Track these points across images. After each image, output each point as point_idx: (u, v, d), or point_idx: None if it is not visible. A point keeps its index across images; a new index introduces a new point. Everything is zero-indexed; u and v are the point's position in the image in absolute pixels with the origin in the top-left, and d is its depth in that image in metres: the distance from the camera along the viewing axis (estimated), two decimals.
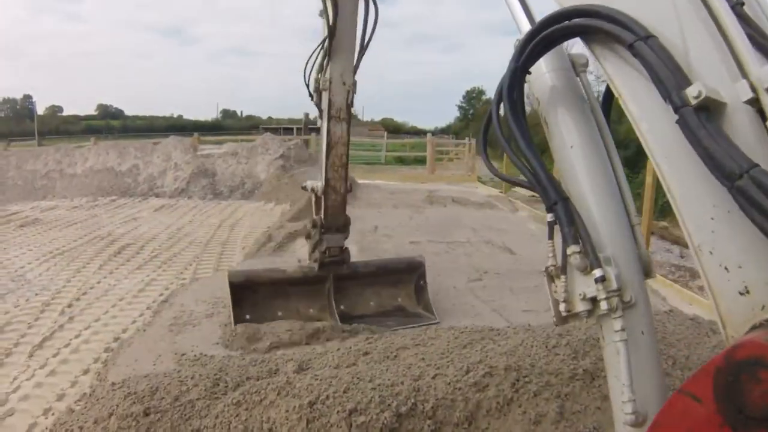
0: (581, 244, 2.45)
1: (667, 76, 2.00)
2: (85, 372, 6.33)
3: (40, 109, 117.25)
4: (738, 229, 1.91)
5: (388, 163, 43.06)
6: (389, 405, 3.87)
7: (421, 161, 39.70)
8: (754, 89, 1.84)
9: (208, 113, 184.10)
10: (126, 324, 7.79)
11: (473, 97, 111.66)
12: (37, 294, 9.06)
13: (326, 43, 6.63)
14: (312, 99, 7.02)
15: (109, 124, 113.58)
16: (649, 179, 11.62)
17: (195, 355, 6.07)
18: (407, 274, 8.17)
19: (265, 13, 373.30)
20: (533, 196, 21.47)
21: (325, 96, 6.80)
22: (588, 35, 2.47)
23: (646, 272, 2.61)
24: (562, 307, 2.55)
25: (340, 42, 6.63)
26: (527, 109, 2.83)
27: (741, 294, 1.91)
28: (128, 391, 4.55)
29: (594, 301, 2.44)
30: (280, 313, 7.34)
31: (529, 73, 2.76)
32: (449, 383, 4.19)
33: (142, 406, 4.23)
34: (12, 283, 9.71)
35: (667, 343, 5.44)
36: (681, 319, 6.48)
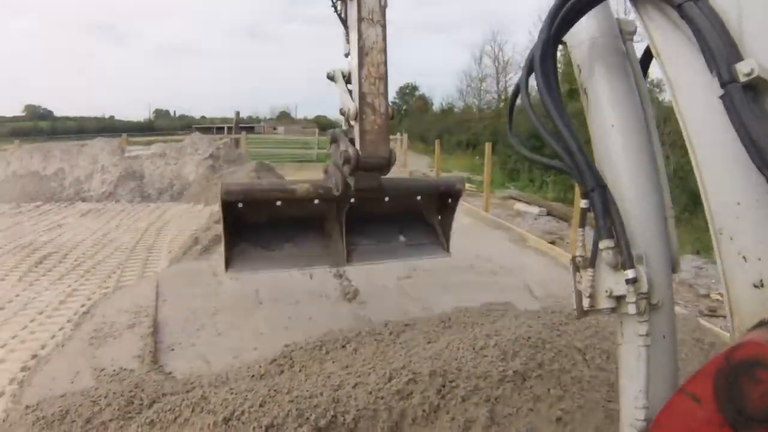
0: (615, 239, 2.32)
1: (717, 45, 1.87)
2: (0, 395, 6.06)
3: None
4: (764, 220, 1.86)
5: (320, 160, 42.45)
6: (307, 419, 3.72)
7: None
8: None
9: (140, 113, 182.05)
10: (45, 339, 7.51)
11: (406, 93, 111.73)
12: None
13: None
14: (335, 10, 5.91)
15: (38, 126, 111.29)
16: None
17: (114, 370, 5.81)
18: (432, 197, 6.96)
19: (203, 12, 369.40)
20: (468, 188, 21.57)
21: (352, 3, 5.50)
22: None
23: (673, 267, 2.49)
24: (585, 302, 2.42)
25: None
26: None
27: (755, 286, 1.88)
28: (38, 416, 4.33)
29: (619, 299, 2.33)
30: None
31: (563, 43, 2.64)
32: (371, 392, 4.05)
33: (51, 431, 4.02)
34: None
35: (601, 336, 5.45)
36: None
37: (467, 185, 28.18)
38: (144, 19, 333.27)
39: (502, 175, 35.07)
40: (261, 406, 3.87)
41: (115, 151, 24.42)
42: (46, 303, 9.06)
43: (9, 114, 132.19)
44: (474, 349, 4.69)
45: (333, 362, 5.00)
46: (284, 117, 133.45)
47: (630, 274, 2.25)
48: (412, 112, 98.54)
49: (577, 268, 2.48)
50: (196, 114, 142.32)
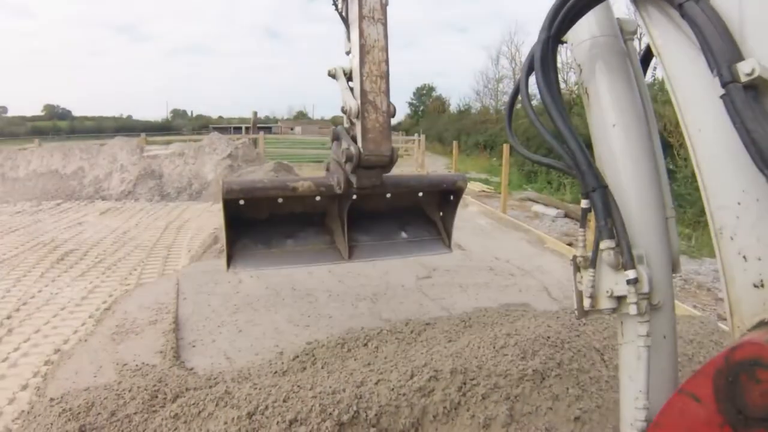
0: (616, 239, 2.34)
1: (718, 45, 1.88)
2: (24, 387, 6.25)
3: None
4: (764, 220, 1.86)
5: None
6: (330, 414, 3.76)
7: None
8: None
9: (158, 113, 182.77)
10: (67, 334, 7.67)
11: (423, 94, 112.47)
12: None
13: None
14: (336, 8, 5.92)
15: (57, 126, 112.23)
16: None
17: (136, 365, 5.87)
18: (434, 193, 6.88)
19: (221, 12, 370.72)
20: (483, 191, 21.62)
21: (353, 1, 5.44)
22: None
23: (674, 267, 2.53)
24: (586, 302, 2.44)
25: None
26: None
27: (755, 286, 1.88)
28: (64, 408, 4.39)
29: (620, 299, 2.36)
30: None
31: (563, 42, 2.64)
32: (393, 389, 4.09)
33: (77, 423, 4.09)
34: None
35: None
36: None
37: (485, 187, 28.28)
38: (162, 19, 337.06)
39: (520, 176, 35.03)
40: (284, 401, 3.92)
41: (134, 150, 24.64)
42: (68, 299, 9.23)
43: (29, 113, 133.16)
44: (494, 347, 4.72)
45: (355, 360, 5.03)
46: (301, 117, 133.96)
47: (631, 274, 2.27)
48: (429, 113, 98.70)
49: (578, 268, 2.50)
50: (213, 114, 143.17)
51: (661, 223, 2.48)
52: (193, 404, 4.12)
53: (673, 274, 2.52)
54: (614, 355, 4.97)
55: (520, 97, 2.81)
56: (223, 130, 61.95)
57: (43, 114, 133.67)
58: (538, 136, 2.64)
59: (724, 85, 1.82)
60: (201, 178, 23.25)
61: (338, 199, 6.04)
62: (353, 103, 5.33)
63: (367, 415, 3.84)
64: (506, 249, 12.33)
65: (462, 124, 65.46)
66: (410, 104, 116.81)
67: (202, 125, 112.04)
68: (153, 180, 22.86)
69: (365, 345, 5.32)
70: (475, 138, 52.65)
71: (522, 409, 4.12)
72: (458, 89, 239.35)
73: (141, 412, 4.15)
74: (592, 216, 2.46)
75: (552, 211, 21.52)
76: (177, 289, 8.60)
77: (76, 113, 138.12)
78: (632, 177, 2.46)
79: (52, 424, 4.20)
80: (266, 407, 3.86)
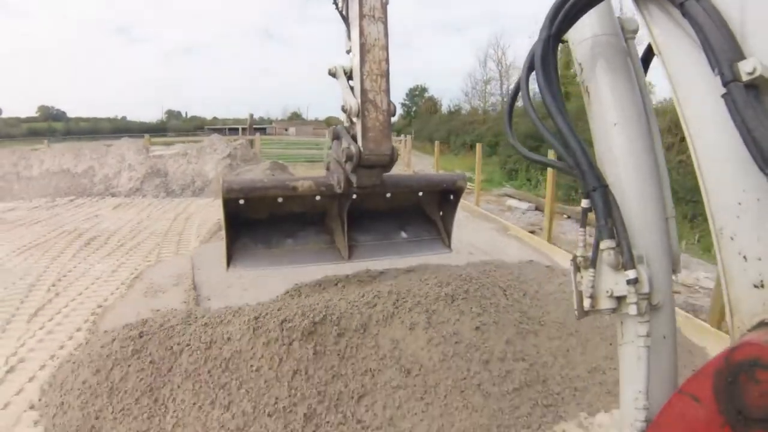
0: (616, 239, 2.34)
1: (720, 44, 1.86)
2: (78, 329, 7.92)
3: None
4: (764, 220, 1.85)
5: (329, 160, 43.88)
6: (308, 316, 5.61)
7: None
8: None
9: (152, 114, 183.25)
10: (105, 295, 9.41)
11: (416, 94, 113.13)
12: (21, 278, 10.45)
13: None
14: (337, 7, 5.92)
15: (52, 127, 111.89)
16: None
17: (168, 310, 7.57)
18: (434, 193, 7.01)
19: (216, 13, 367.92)
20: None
21: (353, 1, 5.38)
22: None
23: (674, 268, 2.52)
24: (586, 302, 2.45)
25: None
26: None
27: (755, 286, 1.87)
28: (124, 324, 6.26)
29: (620, 299, 2.37)
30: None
31: (563, 41, 2.61)
32: (349, 303, 5.96)
33: (137, 331, 5.89)
34: None
35: (523, 281, 7.30)
36: (538, 267, 8.41)
37: (468, 184, 29.89)
38: (157, 20, 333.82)
39: (502, 174, 36.32)
40: (278, 310, 5.75)
41: (141, 150, 26.29)
42: (100, 272, 10.97)
43: (23, 115, 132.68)
44: (420, 280, 6.53)
45: (327, 292, 6.84)
46: (295, 118, 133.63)
47: (631, 274, 2.28)
48: (421, 114, 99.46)
49: (578, 268, 2.51)
50: (208, 115, 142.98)
51: (661, 222, 2.47)
52: (216, 317, 5.96)
53: (674, 275, 2.51)
54: (515, 291, 6.83)
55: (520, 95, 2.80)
56: (218, 131, 62.78)
57: (37, 115, 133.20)
58: (536, 135, 3.14)
59: (725, 84, 1.82)
60: (203, 176, 24.94)
61: (338, 198, 6.12)
62: (353, 102, 5.31)
63: (332, 318, 5.69)
64: (474, 235, 14.16)
65: (452, 124, 66.36)
66: (403, 104, 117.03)
67: (197, 126, 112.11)
68: (159, 178, 24.49)
69: (335, 285, 7.05)
70: (463, 138, 54.13)
71: (437, 319, 5.94)
72: (450, 90, 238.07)
73: (181, 324, 5.93)
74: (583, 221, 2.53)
75: (524, 205, 23.07)
76: (192, 263, 10.47)
77: (70, 114, 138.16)
78: (633, 176, 2.46)
79: (117, 334, 6.00)
80: (266, 314, 5.71)
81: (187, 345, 5.66)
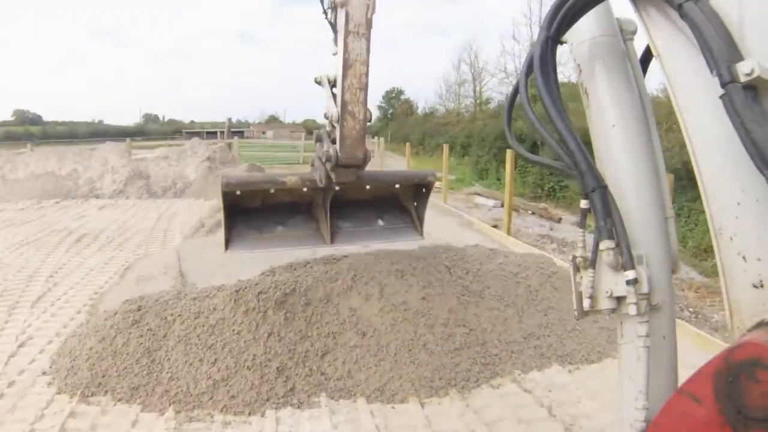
0: (615, 240, 2.33)
1: (718, 45, 1.84)
2: (79, 312, 8.82)
3: None
4: (764, 221, 1.83)
5: (305, 162, 44.01)
6: (280, 288, 6.70)
7: None
8: None
9: (129, 118, 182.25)
10: (100, 283, 10.35)
11: (392, 97, 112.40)
12: (19, 271, 11.28)
13: None
14: (326, 17, 6.33)
15: (29, 131, 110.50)
16: (508, 167, 14.45)
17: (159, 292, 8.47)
18: (409, 186, 8.10)
19: (193, 16, 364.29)
20: (435, 186, 24.32)
21: (341, 12, 5.83)
22: None
23: (673, 268, 2.52)
24: (586, 302, 2.44)
25: None
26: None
27: (755, 287, 1.86)
28: (124, 300, 7.29)
29: (620, 299, 2.36)
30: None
31: (562, 42, 2.60)
32: (314, 278, 7.05)
33: (136, 305, 6.91)
34: None
35: (466, 261, 8.37)
36: (482, 249, 9.46)
37: (438, 183, 30.85)
38: (134, 23, 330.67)
39: (473, 173, 37.26)
40: (255, 285, 6.80)
41: (123, 153, 26.91)
42: (93, 264, 11.91)
43: None
44: (375, 258, 7.61)
45: (297, 270, 7.72)
46: (273, 121, 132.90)
47: (631, 275, 2.26)
48: (398, 116, 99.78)
49: (577, 269, 2.50)
50: (185, 118, 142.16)
51: (660, 223, 2.47)
52: (203, 292, 6.99)
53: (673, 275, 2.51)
54: (458, 270, 7.91)
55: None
56: (196, 135, 62.97)
57: (13, 119, 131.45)
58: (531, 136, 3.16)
59: (723, 85, 1.80)
60: (184, 178, 25.64)
61: (321, 191, 7.18)
62: (334, 111, 5.99)
63: (300, 290, 6.79)
64: (439, 230, 15.02)
65: (426, 126, 67.34)
66: (380, 107, 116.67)
67: (175, 130, 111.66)
68: (141, 180, 25.10)
69: (304, 266, 7.94)
70: (438, 139, 54.97)
71: (389, 291, 7.06)
72: (425, 92, 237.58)
73: (173, 299, 6.94)
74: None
75: (490, 202, 24.25)
76: (178, 255, 11.40)
77: (45, 118, 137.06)
78: (632, 177, 2.45)
79: (118, 308, 7.02)
80: (246, 288, 6.76)
81: (179, 315, 6.70)
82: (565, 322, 7.80)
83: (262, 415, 5.79)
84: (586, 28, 2.64)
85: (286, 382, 6.09)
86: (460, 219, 18.26)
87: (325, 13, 6.30)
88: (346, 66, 5.77)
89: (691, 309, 11.15)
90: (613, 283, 2.34)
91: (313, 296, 6.83)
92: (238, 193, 6.96)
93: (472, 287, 7.71)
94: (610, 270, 2.35)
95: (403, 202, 8.19)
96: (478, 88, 67.73)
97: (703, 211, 2.15)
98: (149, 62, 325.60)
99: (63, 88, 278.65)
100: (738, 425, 1.54)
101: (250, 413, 5.81)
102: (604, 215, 2.33)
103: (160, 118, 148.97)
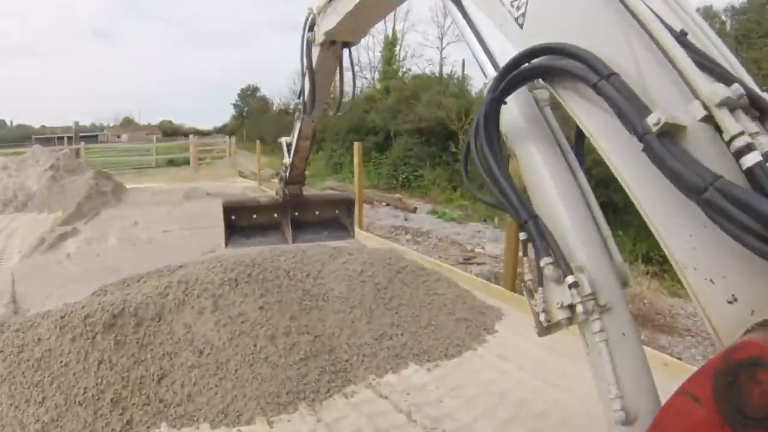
0: (553, 256, 2.55)
1: (629, 109, 2.07)
2: None
3: None
4: (716, 241, 1.96)
5: (158, 165, 43.72)
6: (107, 310, 6.35)
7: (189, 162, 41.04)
8: (706, 107, 1.92)
9: None
10: None
11: (248, 94, 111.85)
12: None
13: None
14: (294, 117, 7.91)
15: None
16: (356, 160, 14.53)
17: None
18: (342, 203, 9.44)
19: (43, 10, 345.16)
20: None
21: (297, 123, 7.78)
22: (552, 75, 2.60)
23: (624, 282, 2.68)
24: (542, 317, 2.64)
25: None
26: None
27: (729, 302, 1.96)
28: None
29: (572, 308, 2.51)
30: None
31: (505, 102, 2.86)
32: (144, 294, 6.75)
33: None
34: None
35: (306, 262, 8.38)
36: (323, 248, 9.42)
37: None
38: None
39: (327, 168, 37.75)
40: (82, 308, 6.42)
41: None
42: None
43: None
44: (208, 268, 7.39)
45: (129, 287, 7.59)
46: (128, 123, 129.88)
47: (570, 279, 2.46)
48: (254, 114, 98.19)
49: (531, 293, 2.72)
50: (36, 123, 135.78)
51: (596, 239, 2.68)
52: (27, 322, 6.58)
53: (624, 288, 2.67)
54: (298, 273, 7.87)
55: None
56: (46, 140, 60.34)
57: None
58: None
59: (640, 139, 2.02)
60: (26, 189, 24.06)
61: (284, 209, 8.22)
62: (287, 161, 7.66)
63: (129, 310, 6.46)
64: None
65: (282, 123, 67.13)
66: (235, 106, 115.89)
67: (24, 136, 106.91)
68: None
69: (137, 281, 7.79)
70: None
71: (223, 302, 6.84)
72: (282, 89, 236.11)
73: None
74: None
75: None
76: (12, 278, 10.86)
77: None
78: (560, 205, 2.69)
79: None
80: (71, 312, 6.38)
81: (1, 351, 6.24)
82: (419, 318, 7.85)
83: None
84: (509, 101, 2.88)
85: (122, 415, 5.75)
86: None
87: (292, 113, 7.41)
88: (296, 150, 7.37)
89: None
90: (560, 293, 2.51)
91: (144, 315, 6.54)
92: (233, 217, 7.86)
93: (314, 290, 7.66)
94: (555, 283, 2.54)
95: (339, 216, 8.91)
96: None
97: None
98: None
99: None
100: (738, 425, 1.54)
101: None
102: (539, 237, 2.59)
103: (8, 123, 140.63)
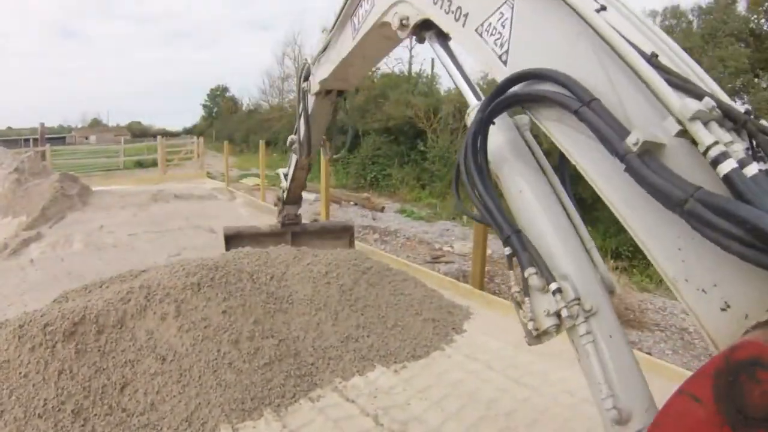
0: (536, 266, 2.68)
1: (610, 132, 2.19)
2: None
3: None
4: (704, 251, 2.01)
5: (126, 167, 43.14)
6: (67, 318, 6.19)
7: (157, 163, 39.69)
8: (680, 122, 2.00)
9: None
10: None
11: (217, 94, 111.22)
12: None
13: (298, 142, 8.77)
14: (290, 149, 9.39)
15: None
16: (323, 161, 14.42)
17: None
18: (342, 232, 11.52)
19: (6, 7, 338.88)
20: (257, 185, 24.37)
21: (294, 156, 9.40)
22: (534, 103, 2.76)
23: (610, 290, 2.75)
24: (530, 326, 2.73)
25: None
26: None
27: (723, 310, 1.99)
28: None
29: (559, 315, 2.61)
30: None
31: (493, 123, 3.01)
32: (106, 301, 6.59)
33: None
34: None
35: (270, 264, 8.29)
36: (287, 250, 9.30)
37: (259, 181, 30.65)
38: None
39: None
40: (42, 316, 6.25)
41: None
42: None
43: None
44: (171, 272, 7.20)
45: (90, 293, 7.42)
46: (96, 124, 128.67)
47: (553, 286, 2.59)
48: (223, 114, 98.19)
49: (518, 304, 2.84)
50: (2, 125, 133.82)
51: (579, 249, 2.80)
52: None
53: (611, 295, 2.77)
54: (261, 276, 7.79)
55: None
56: (12, 143, 59.12)
57: None
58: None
59: (622, 159, 2.13)
60: None
61: (282, 236, 10.58)
62: (285, 186, 10.05)
63: (90, 317, 6.28)
64: None
65: (250, 123, 67.17)
66: (204, 106, 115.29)
67: None
68: None
69: (100, 287, 7.60)
70: (261, 136, 54.65)
71: (185, 307, 6.67)
72: (250, 89, 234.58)
73: None
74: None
75: (312, 196, 24.26)
76: None
77: None
78: (542, 220, 2.84)
79: None
80: (30, 321, 6.22)
81: None
82: (385, 319, 7.78)
83: None
84: (492, 129, 3.05)
85: (84, 426, 5.59)
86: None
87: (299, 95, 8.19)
88: (292, 180, 9.93)
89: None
90: (547, 302, 2.64)
91: (105, 322, 6.39)
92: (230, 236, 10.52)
93: (279, 293, 7.57)
94: (540, 292, 2.68)
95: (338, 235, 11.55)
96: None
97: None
98: None
99: None
100: (738, 425, 1.57)
101: None
102: (522, 250, 2.74)
103: None
